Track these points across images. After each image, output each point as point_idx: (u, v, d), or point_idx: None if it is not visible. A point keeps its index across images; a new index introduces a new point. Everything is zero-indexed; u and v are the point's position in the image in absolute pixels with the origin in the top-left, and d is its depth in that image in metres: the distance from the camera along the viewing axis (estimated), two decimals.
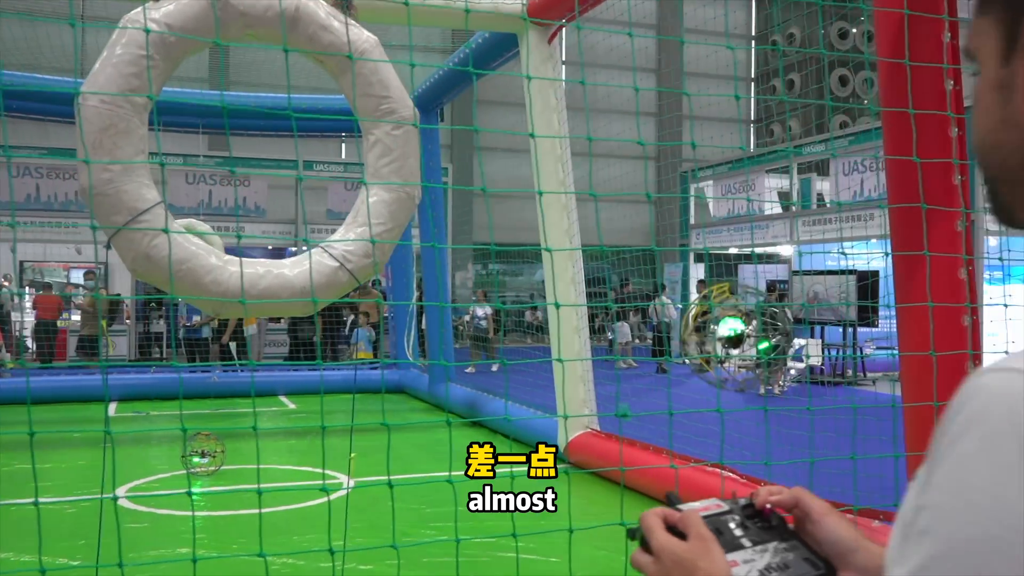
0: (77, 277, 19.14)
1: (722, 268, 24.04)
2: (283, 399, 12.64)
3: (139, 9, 3.28)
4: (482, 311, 17.21)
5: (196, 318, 14.12)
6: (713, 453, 6.55)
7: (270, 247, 19.07)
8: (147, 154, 3.33)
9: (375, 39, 3.65)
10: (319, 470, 7.65)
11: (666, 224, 22.44)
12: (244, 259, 3.34)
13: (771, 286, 13.77)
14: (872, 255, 15.76)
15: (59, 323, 17.01)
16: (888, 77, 4.28)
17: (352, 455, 4.24)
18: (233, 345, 14.60)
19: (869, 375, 15.43)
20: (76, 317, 17.69)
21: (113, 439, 8.16)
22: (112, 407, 11.77)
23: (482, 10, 7.69)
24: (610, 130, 19.80)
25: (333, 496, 6.92)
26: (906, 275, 4.31)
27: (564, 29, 8.35)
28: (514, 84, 24.27)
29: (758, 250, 19.82)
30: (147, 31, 3.04)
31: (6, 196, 17.36)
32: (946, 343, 4.10)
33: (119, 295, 18.79)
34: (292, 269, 3.24)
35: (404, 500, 6.75)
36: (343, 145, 24.67)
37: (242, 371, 13.92)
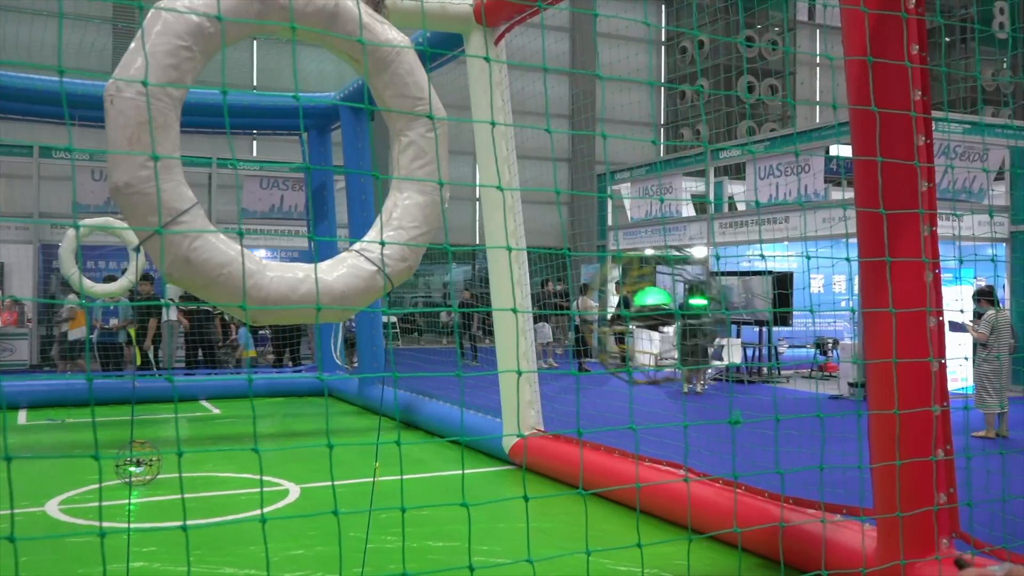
0: None
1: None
2: (205, 404, 12.25)
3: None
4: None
5: (113, 321, 13.53)
6: (659, 452, 6.65)
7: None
8: (179, 151, 3.16)
9: (405, 39, 3.57)
10: (260, 476, 7.45)
11: (583, 225, 22.69)
12: (284, 264, 3.20)
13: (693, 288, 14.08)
14: (789, 256, 16.32)
15: None
16: (855, 77, 4.38)
17: (376, 464, 4.15)
18: (151, 350, 14.06)
19: (783, 373, 15.97)
20: None
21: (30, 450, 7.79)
22: (22, 415, 11.19)
23: (430, 10, 7.62)
24: (524, 132, 19.91)
25: (281, 503, 6.76)
26: (872, 279, 4.46)
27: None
28: (454, 86, 24.11)
29: (673, 251, 20.25)
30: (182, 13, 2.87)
31: None
32: (911, 348, 4.26)
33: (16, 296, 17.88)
34: (330, 273, 3.11)
35: (353, 504, 6.63)
36: (254, 143, 24.09)
37: (160, 375, 13.42)
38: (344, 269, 3.16)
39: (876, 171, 4.29)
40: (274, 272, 2.98)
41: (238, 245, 2.85)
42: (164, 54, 2.79)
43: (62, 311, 14.50)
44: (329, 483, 7.38)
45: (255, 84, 24.76)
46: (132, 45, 2.86)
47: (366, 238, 3.37)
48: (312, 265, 3.12)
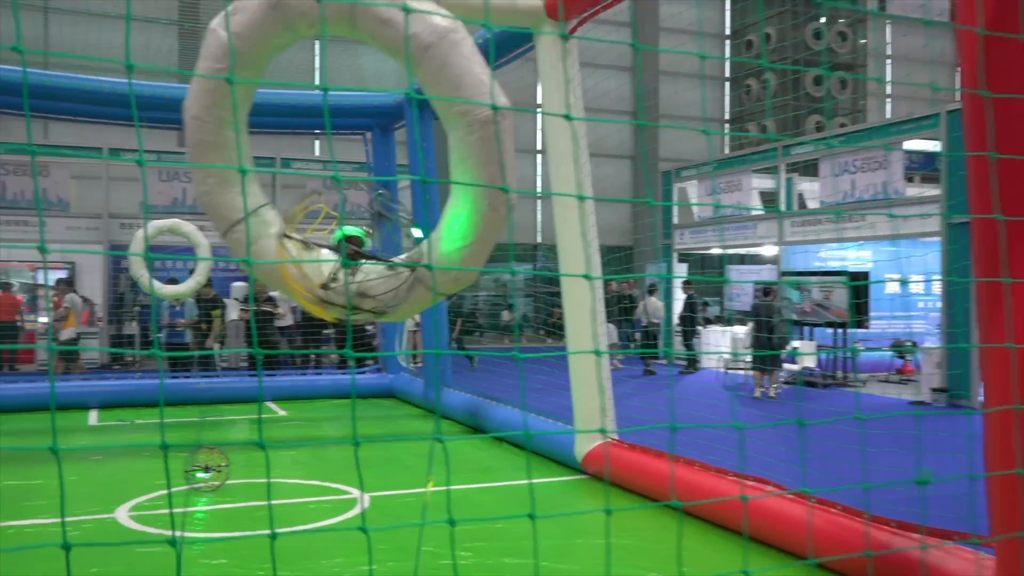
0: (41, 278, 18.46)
1: (707, 268, 24.03)
2: (271, 405, 12.22)
3: (220, 16, 3.09)
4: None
5: (180, 320, 13.61)
6: (721, 459, 6.34)
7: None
8: (246, 161, 3.09)
9: (448, 26, 3.28)
10: (328, 484, 7.30)
11: (647, 223, 22.29)
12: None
13: (767, 289, 13.63)
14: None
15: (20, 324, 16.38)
16: (968, 56, 3.89)
17: (430, 477, 3.94)
18: (217, 347, 14.14)
19: (860, 377, 15.40)
20: (44, 319, 17.07)
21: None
22: (92, 415, 11.28)
23: (499, 5, 7.39)
24: (593, 131, 19.59)
25: (349, 513, 6.59)
26: (987, 287, 4.07)
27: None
28: (520, 84, 23.92)
29: (742, 251, 19.77)
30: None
31: None
32: None
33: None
34: (376, 276, 2.97)
35: (427, 517, 6.44)
36: (316, 143, 24.19)
37: (225, 376, 13.46)
38: (387, 274, 3.03)
39: (988, 169, 3.90)
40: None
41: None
42: (206, 78, 2.72)
43: (58, 310, 14.63)
44: (398, 492, 7.22)
45: (316, 82, 24.89)
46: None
47: (423, 247, 3.19)
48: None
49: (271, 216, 2.82)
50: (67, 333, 14.44)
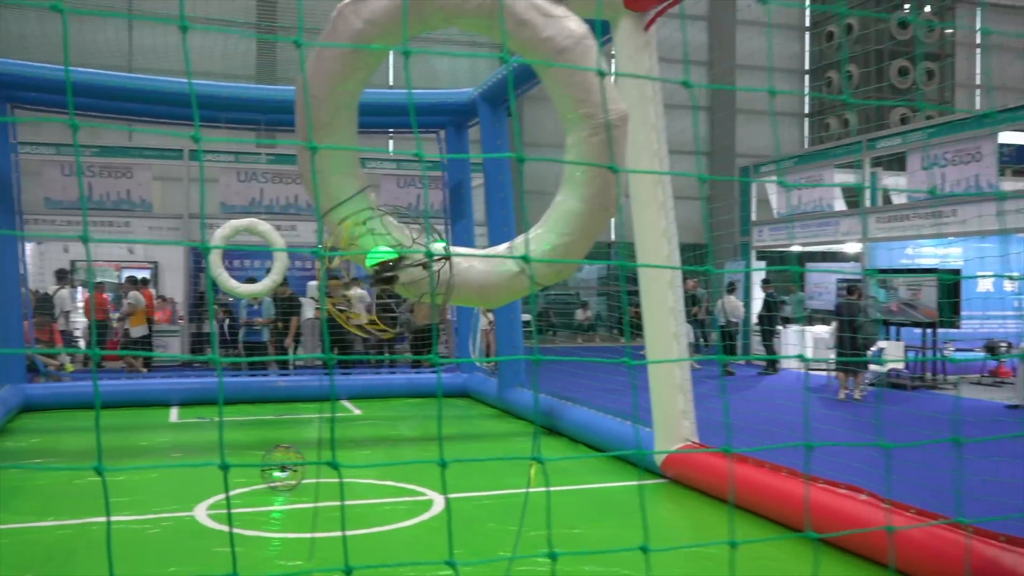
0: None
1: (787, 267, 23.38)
2: (347, 404, 12.25)
3: (348, 2, 3.03)
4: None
5: (258, 319, 13.77)
6: (821, 468, 5.99)
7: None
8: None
9: (582, 32, 3.25)
10: (403, 485, 7.22)
11: (723, 221, 21.84)
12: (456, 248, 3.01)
13: (852, 288, 13.14)
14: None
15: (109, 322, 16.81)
16: None
17: (532, 469, 3.81)
18: (293, 346, 14.28)
19: (949, 379, 14.77)
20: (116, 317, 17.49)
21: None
22: (173, 412, 11.46)
23: None
24: (669, 127, 19.24)
25: (425, 515, 6.49)
26: None
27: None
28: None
29: (822, 248, 19.18)
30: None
31: (59, 195, 17.18)
32: None
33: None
34: (482, 265, 2.89)
35: (501, 520, 6.31)
36: (390, 142, 24.33)
37: (300, 374, 13.58)
38: (488, 263, 2.89)
39: None
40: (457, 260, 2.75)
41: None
42: (333, 59, 2.56)
43: (124, 307, 14.87)
44: (474, 494, 7.09)
45: (391, 83, 25.02)
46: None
47: (518, 240, 3.05)
48: (480, 253, 2.84)
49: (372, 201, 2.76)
50: (138, 331, 14.73)
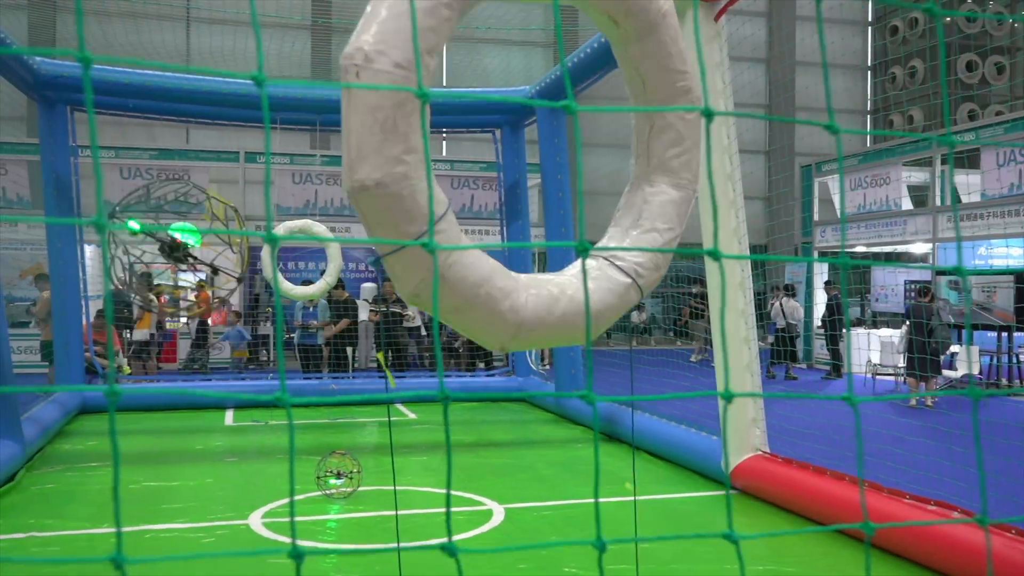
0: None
1: (852, 269, 22.77)
2: (401, 408, 12.08)
3: None
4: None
5: (313, 321, 13.66)
6: (884, 475, 5.60)
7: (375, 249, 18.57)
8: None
9: (671, 8, 2.88)
10: (462, 493, 6.97)
11: (783, 220, 21.29)
12: (536, 277, 2.55)
13: (923, 290, 12.60)
14: None
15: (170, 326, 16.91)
16: None
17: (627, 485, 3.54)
18: (349, 351, 14.16)
19: None
20: (185, 320, 17.55)
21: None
22: (228, 415, 11.40)
23: None
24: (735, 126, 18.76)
25: (484, 527, 6.24)
26: None
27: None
28: None
29: (888, 248, 18.55)
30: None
31: (117, 197, 17.30)
32: None
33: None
34: (580, 287, 2.49)
35: (563, 531, 6.04)
36: (443, 142, 24.20)
37: (355, 378, 13.45)
38: (596, 282, 2.53)
39: None
40: (529, 289, 2.37)
41: (491, 258, 2.27)
42: (424, 13, 2.14)
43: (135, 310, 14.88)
44: (533, 504, 6.84)
45: (444, 83, 24.89)
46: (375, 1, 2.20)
47: (609, 241, 2.73)
48: (567, 278, 2.50)
49: (455, 220, 2.28)
50: (139, 334, 14.81)
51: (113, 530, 5.42)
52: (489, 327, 2.27)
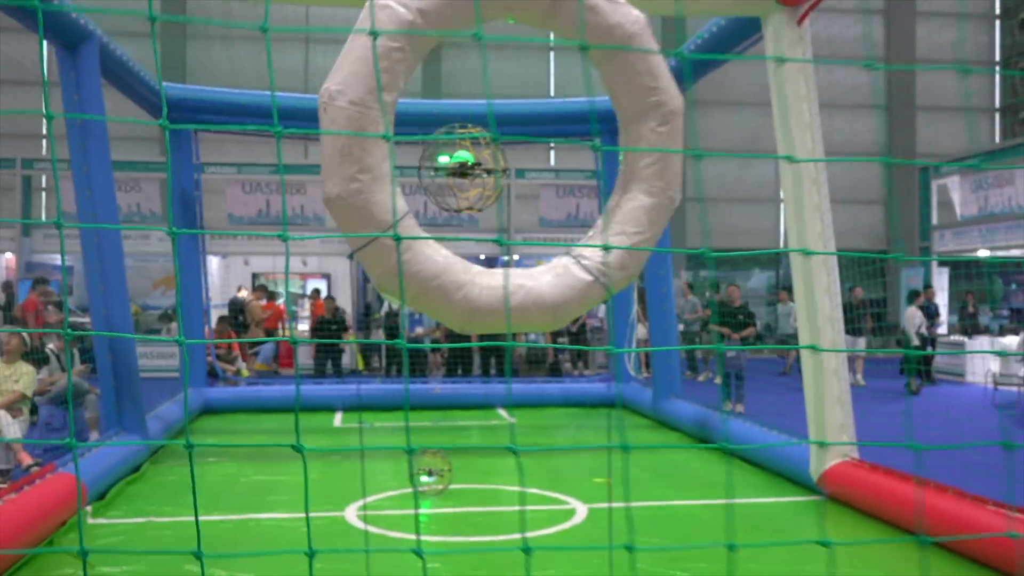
0: (302, 287, 19.96)
1: (971, 274, 21.82)
2: (501, 412, 12.37)
3: None
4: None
5: (419, 329, 14.15)
6: (982, 485, 5.45)
7: (482, 256, 19.06)
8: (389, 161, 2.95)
9: (644, 20, 3.10)
10: (548, 493, 7.18)
11: (901, 224, 20.58)
12: (495, 271, 2.87)
13: None
14: None
15: (282, 332, 17.74)
16: None
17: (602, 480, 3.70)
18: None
19: None
20: (304, 327, 18.41)
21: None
22: (338, 417, 11.94)
23: None
24: (832, 125, 18.35)
25: (566, 524, 6.43)
26: None
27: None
28: (735, 81, 23.10)
29: (1015, 252, 17.70)
30: (374, 33, 2.63)
31: (240, 211, 18.34)
32: None
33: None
34: (542, 281, 2.75)
35: (645, 533, 6.15)
36: (551, 152, 24.48)
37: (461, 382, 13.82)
38: (557, 278, 2.76)
39: None
40: (487, 281, 2.64)
41: (447, 254, 2.57)
42: (379, 57, 2.56)
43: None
44: (618, 505, 6.96)
45: (551, 93, 25.14)
46: (344, 48, 2.64)
47: (583, 241, 2.93)
48: (527, 273, 2.73)
49: (415, 224, 2.68)
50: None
51: (222, 517, 5.89)
52: (445, 312, 2.59)
